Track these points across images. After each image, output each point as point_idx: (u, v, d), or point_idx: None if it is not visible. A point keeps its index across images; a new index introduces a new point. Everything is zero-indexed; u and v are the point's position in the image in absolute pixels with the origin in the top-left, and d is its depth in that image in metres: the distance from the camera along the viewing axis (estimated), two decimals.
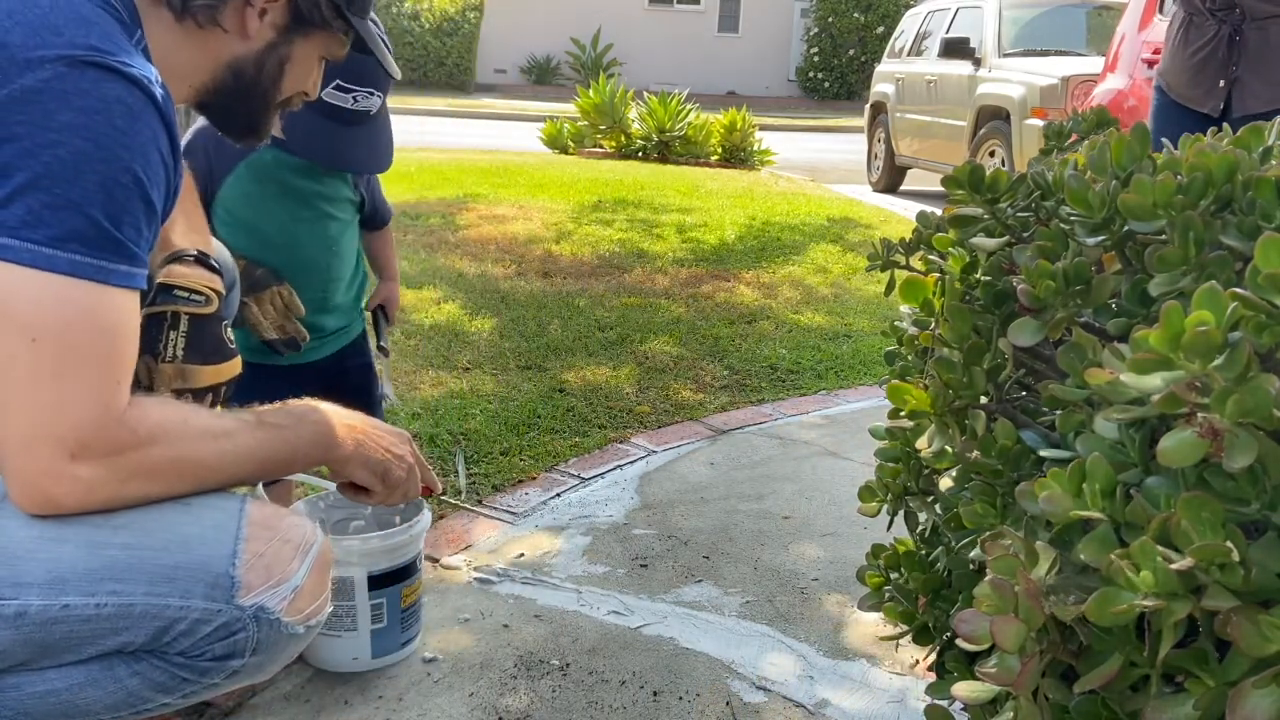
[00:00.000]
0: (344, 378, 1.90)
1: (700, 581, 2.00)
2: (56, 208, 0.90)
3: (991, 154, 6.72)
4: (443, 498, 1.43)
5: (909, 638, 1.09)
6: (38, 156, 0.90)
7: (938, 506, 1.09)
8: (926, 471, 1.11)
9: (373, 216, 1.96)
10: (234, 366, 1.35)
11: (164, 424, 1.00)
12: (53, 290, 0.91)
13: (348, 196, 1.84)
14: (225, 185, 1.72)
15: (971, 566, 0.97)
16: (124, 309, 0.97)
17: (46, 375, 0.92)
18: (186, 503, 1.03)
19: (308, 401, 1.18)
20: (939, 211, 1.14)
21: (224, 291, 1.36)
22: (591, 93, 9.71)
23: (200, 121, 1.72)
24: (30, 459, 0.93)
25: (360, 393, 1.93)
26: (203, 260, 1.35)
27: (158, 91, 0.98)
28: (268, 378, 1.82)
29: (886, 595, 1.13)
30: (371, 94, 1.65)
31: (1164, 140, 1.00)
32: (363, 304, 1.97)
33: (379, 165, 1.75)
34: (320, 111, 1.60)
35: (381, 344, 2.09)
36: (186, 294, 1.29)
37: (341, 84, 1.60)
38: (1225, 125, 2.61)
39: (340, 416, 1.19)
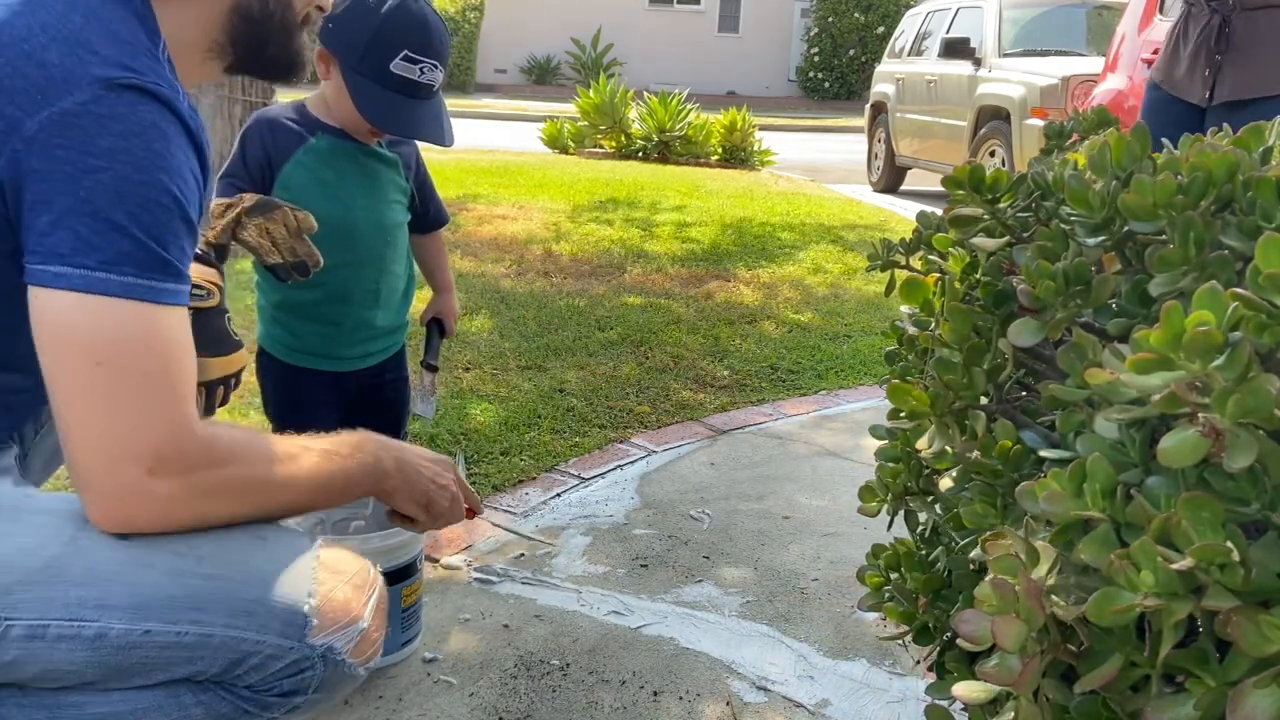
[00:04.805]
0: (380, 391, 1.94)
1: (700, 581, 2.00)
2: (104, 232, 0.92)
3: (991, 154, 6.72)
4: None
5: (909, 638, 1.09)
6: (80, 182, 0.91)
7: (938, 506, 1.09)
8: (926, 471, 1.11)
9: (425, 216, 1.97)
10: (241, 358, 1.37)
11: (235, 444, 1.01)
12: (110, 313, 0.92)
13: (401, 186, 1.86)
14: (283, 172, 1.73)
15: (972, 566, 0.97)
16: (178, 325, 0.98)
17: (116, 397, 0.93)
18: (262, 538, 1.04)
19: (361, 432, 1.18)
20: (939, 211, 1.13)
21: (224, 286, 1.39)
22: (591, 93, 9.71)
23: (252, 116, 1.76)
24: (110, 478, 0.93)
25: (394, 405, 1.98)
26: (201, 256, 1.36)
27: (185, 110, 0.99)
28: (311, 384, 1.83)
29: (886, 595, 1.13)
30: (435, 67, 1.67)
31: (1164, 140, 1.00)
32: (408, 315, 1.98)
33: (448, 139, 1.77)
34: (391, 85, 1.63)
35: (432, 360, 2.08)
36: None
37: (410, 54, 1.63)
38: (1207, 113, 2.65)
39: (389, 449, 1.19)
